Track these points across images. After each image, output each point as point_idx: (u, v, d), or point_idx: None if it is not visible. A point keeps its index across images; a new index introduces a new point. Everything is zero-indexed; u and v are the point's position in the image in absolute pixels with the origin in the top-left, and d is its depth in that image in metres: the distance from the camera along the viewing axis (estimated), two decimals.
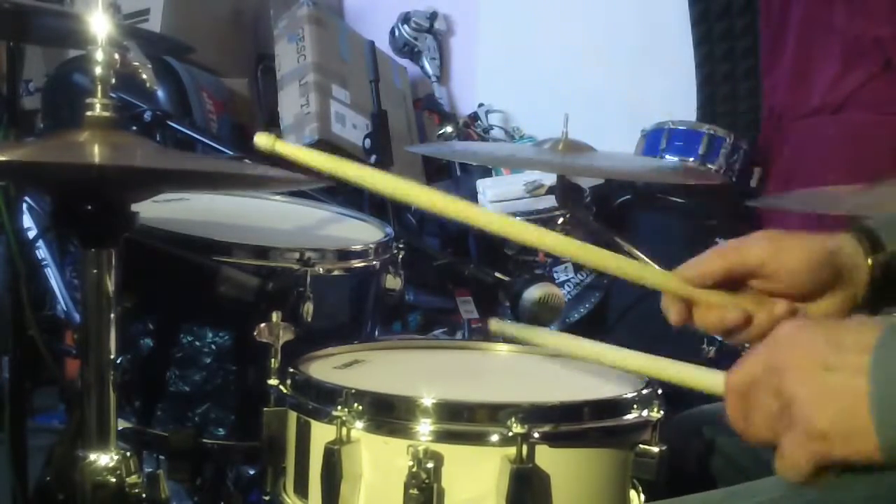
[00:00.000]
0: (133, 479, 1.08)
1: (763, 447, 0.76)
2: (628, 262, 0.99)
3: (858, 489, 0.85)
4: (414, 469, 0.94)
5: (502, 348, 1.34)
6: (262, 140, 0.94)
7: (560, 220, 2.65)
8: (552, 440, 0.97)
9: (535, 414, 0.97)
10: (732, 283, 0.95)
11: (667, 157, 2.61)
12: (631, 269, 0.98)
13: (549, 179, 2.44)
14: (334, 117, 2.99)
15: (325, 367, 1.17)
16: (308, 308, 1.26)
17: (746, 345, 0.95)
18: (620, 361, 0.96)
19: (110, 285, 1.07)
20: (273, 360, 1.14)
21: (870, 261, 0.95)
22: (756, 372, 0.75)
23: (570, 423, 1.00)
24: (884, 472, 0.85)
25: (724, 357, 1.56)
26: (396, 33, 3.54)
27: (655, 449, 1.01)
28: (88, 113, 1.01)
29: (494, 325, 1.05)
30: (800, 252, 0.94)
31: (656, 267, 1.01)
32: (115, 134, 1.02)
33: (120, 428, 1.15)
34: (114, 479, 1.07)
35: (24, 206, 2.27)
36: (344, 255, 1.39)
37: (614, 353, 0.95)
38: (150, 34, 2.32)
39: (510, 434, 0.94)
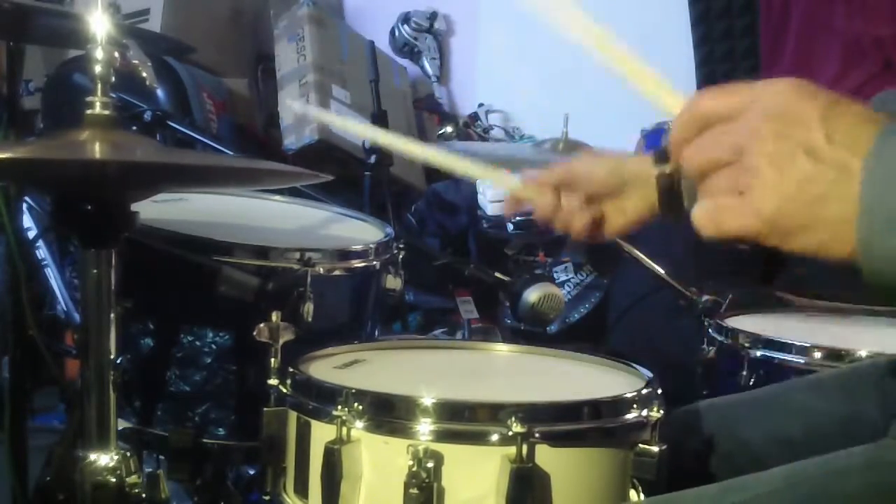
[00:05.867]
0: (133, 479, 1.08)
1: (692, 176, 0.73)
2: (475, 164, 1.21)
3: (854, 480, 0.86)
4: (414, 468, 0.94)
5: (502, 348, 1.34)
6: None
7: None
8: (552, 440, 0.97)
9: (535, 413, 0.97)
10: (567, 187, 1.19)
11: None
12: (476, 170, 1.22)
13: None
14: None
15: (325, 367, 1.17)
16: (308, 308, 1.26)
17: None
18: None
19: (110, 285, 1.07)
20: (273, 360, 1.14)
21: (656, 173, 1.02)
22: (730, 109, 0.70)
23: (570, 422, 1.00)
24: (880, 467, 0.85)
25: (724, 357, 1.56)
26: (396, 33, 3.55)
27: (655, 448, 1.01)
28: (88, 112, 1.01)
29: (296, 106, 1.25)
30: (600, 163, 1.21)
31: (504, 172, 1.27)
32: (115, 133, 1.02)
33: (120, 428, 1.15)
34: (114, 479, 1.07)
35: (24, 206, 2.27)
36: (344, 255, 1.39)
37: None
38: (150, 34, 2.33)
39: (510, 434, 0.94)
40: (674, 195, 1.07)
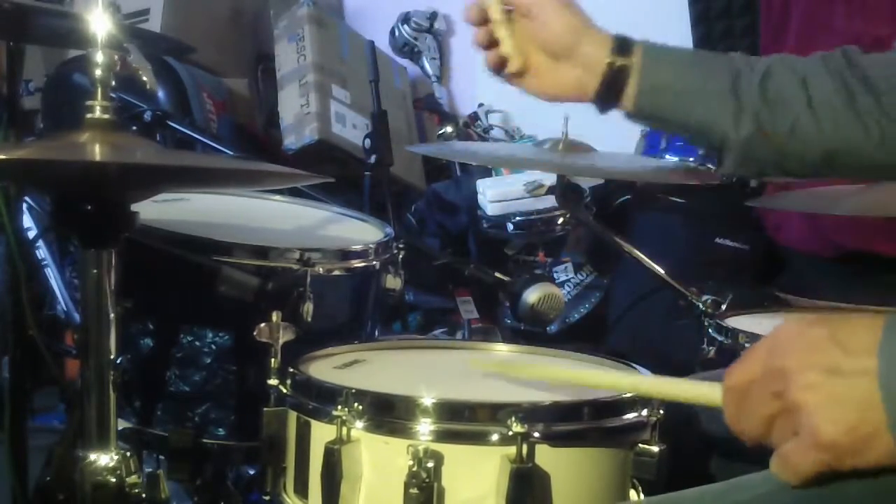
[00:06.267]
0: (133, 479, 1.09)
1: (756, 445, 0.75)
2: None
3: (855, 484, 0.86)
4: (414, 468, 0.94)
5: (502, 348, 1.34)
6: None
7: (560, 220, 2.66)
8: (552, 440, 0.97)
9: (535, 413, 0.97)
10: (516, 15, 1.12)
11: (667, 156, 2.61)
12: None
13: (549, 179, 2.44)
14: (334, 117, 2.99)
15: (325, 367, 1.17)
16: (308, 308, 1.26)
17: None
18: (612, 383, 1.01)
19: (110, 285, 1.07)
20: (273, 360, 1.14)
21: (608, 60, 1.09)
22: (756, 371, 0.74)
23: (570, 422, 1.00)
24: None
25: (724, 357, 1.56)
26: (396, 33, 3.54)
27: (655, 448, 1.01)
28: (88, 115, 1.01)
29: (475, 363, 1.20)
30: (565, 17, 1.11)
31: None
32: (115, 135, 1.02)
33: (120, 428, 1.15)
34: (114, 479, 1.07)
35: (24, 206, 2.27)
36: (344, 255, 1.39)
37: (605, 376, 0.99)
38: (150, 34, 2.32)
39: (510, 433, 0.94)
40: (612, 90, 1.11)
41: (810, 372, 0.69)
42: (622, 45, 1.11)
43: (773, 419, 0.72)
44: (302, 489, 1.06)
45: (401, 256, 1.48)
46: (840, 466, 0.69)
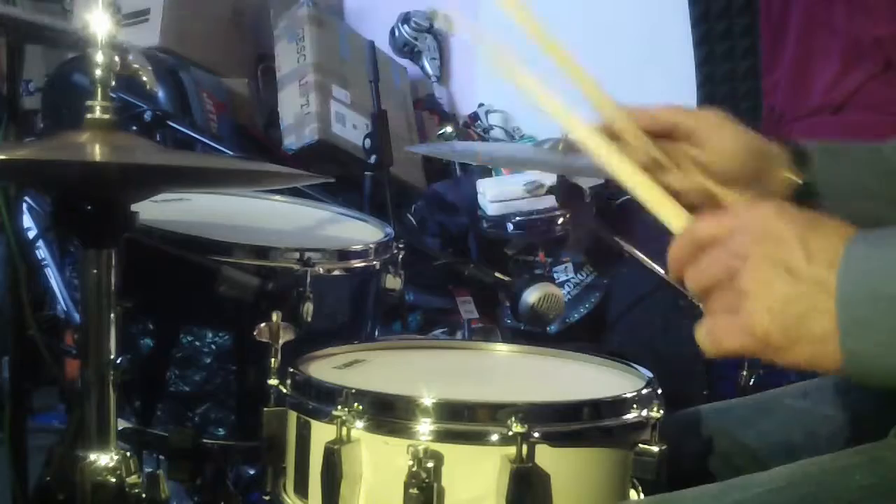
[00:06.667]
0: (133, 479, 1.09)
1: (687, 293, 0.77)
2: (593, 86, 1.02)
3: (856, 479, 0.86)
4: (414, 468, 0.94)
5: (502, 348, 1.34)
6: None
7: (560, 220, 2.66)
8: (552, 440, 0.97)
9: (534, 413, 0.97)
10: (672, 138, 0.99)
11: None
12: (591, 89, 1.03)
13: (549, 179, 2.44)
14: (334, 117, 2.99)
15: (325, 367, 1.17)
16: (308, 308, 1.26)
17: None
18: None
19: (110, 285, 1.07)
20: (273, 360, 1.15)
21: (790, 176, 1.01)
22: (719, 237, 0.74)
23: (570, 422, 1.00)
24: (881, 467, 0.85)
25: (723, 361, 1.56)
26: (396, 33, 3.54)
27: (655, 448, 1.01)
28: (88, 115, 1.01)
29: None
30: (740, 136, 1.00)
31: (612, 100, 1.02)
32: (115, 135, 1.02)
33: (120, 428, 1.15)
34: (114, 479, 1.07)
35: (24, 206, 2.27)
36: (344, 255, 1.39)
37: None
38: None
39: (510, 433, 0.94)
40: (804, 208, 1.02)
41: (768, 265, 0.70)
42: (800, 158, 1.02)
43: (714, 286, 0.74)
44: (302, 489, 1.06)
45: (401, 256, 1.48)
46: (761, 357, 0.72)
